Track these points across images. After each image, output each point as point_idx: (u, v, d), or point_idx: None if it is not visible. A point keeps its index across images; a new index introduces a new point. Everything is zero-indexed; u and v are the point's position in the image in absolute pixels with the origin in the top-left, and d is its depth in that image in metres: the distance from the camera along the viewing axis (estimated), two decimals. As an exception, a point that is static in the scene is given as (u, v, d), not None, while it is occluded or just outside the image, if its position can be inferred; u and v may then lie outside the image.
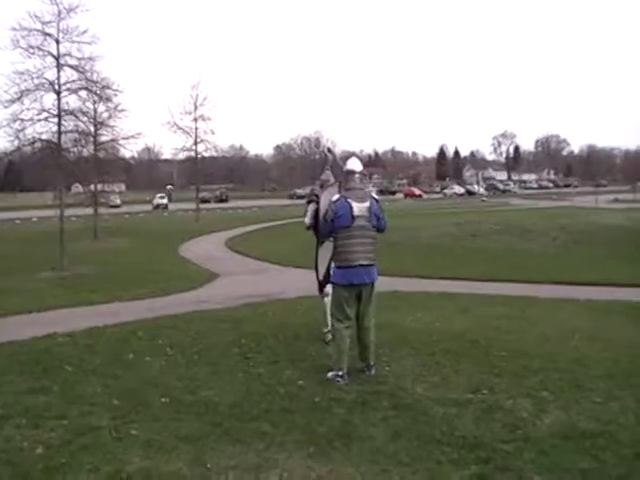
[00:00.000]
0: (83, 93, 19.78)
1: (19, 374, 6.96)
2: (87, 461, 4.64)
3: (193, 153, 43.86)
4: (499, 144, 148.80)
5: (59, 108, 18.41)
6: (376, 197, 6.85)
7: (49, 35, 18.08)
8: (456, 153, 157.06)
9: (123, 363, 7.27)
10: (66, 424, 5.41)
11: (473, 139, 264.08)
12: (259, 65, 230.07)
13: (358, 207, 6.62)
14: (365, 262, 6.64)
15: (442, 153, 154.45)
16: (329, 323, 7.67)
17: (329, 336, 7.70)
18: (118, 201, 60.95)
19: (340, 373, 6.59)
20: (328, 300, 7.67)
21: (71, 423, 5.43)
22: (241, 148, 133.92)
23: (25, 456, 4.76)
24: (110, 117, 25.34)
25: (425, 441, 4.92)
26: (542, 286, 13.38)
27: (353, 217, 6.60)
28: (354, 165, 6.94)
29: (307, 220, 7.94)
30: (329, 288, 7.72)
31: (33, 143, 19.21)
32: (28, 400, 6.05)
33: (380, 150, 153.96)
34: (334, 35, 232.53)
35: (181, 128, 42.71)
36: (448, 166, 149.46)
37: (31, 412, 5.70)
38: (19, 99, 17.88)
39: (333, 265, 7.04)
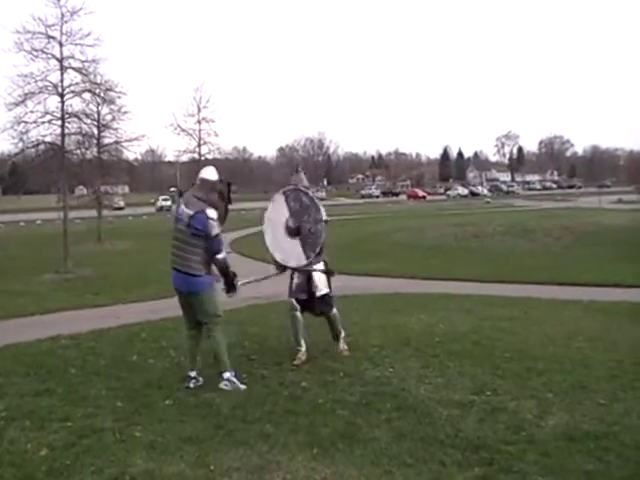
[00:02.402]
0: (87, 95, 19.90)
1: (23, 376, 6.97)
2: (91, 463, 4.64)
3: (196, 155, 43.78)
4: (503, 145, 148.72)
5: (63, 110, 18.47)
6: (210, 215, 6.36)
7: (53, 38, 18.16)
8: (459, 154, 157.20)
9: (127, 365, 7.28)
10: (70, 426, 5.42)
11: (476, 140, 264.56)
12: (262, 67, 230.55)
13: (183, 211, 6.52)
14: (178, 267, 6.52)
15: (445, 154, 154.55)
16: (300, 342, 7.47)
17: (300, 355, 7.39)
18: (122, 203, 61.05)
19: (188, 373, 6.65)
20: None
21: (75, 425, 5.44)
22: (244, 150, 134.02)
23: (29, 458, 4.77)
24: (113, 119, 25.38)
25: (429, 442, 4.91)
26: (545, 287, 13.37)
27: (177, 219, 6.58)
28: (204, 174, 6.71)
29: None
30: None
31: (37, 145, 19.29)
32: (32, 402, 6.06)
33: (383, 151, 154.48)
34: (337, 37, 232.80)
35: (184, 130, 42.67)
36: (451, 167, 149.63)
37: (35, 414, 5.71)
38: (23, 102, 17.97)
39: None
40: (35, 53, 18.04)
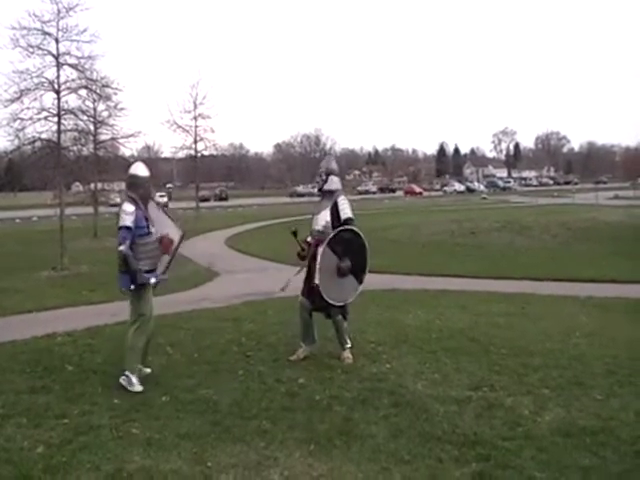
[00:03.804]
0: (83, 92, 19.75)
1: (20, 373, 6.96)
2: (87, 460, 4.65)
3: (193, 151, 43.83)
4: (499, 141, 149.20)
5: (59, 107, 18.37)
6: (123, 208, 6.43)
7: (48, 34, 18.05)
8: (456, 150, 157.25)
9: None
10: (67, 423, 5.42)
11: (473, 136, 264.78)
12: (259, 63, 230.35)
13: None
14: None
15: (442, 150, 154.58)
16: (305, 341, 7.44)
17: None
18: (118, 200, 60.87)
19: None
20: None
21: (72, 422, 5.44)
22: (241, 146, 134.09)
23: (26, 455, 4.77)
24: (110, 116, 25.19)
25: (426, 439, 4.93)
26: (542, 283, 13.37)
27: None
28: (133, 170, 6.73)
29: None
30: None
31: (33, 142, 19.17)
32: (29, 399, 6.06)
33: (380, 147, 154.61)
34: (334, 33, 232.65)
35: (181, 127, 42.71)
36: (448, 163, 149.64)
37: (32, 411, 5.72)
38: (19, 98, 17.85)
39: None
40: (31, 49, 17.92)
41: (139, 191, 6.56)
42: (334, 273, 7.11)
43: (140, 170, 6.69)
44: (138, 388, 6.30)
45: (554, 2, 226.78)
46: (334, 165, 7.59)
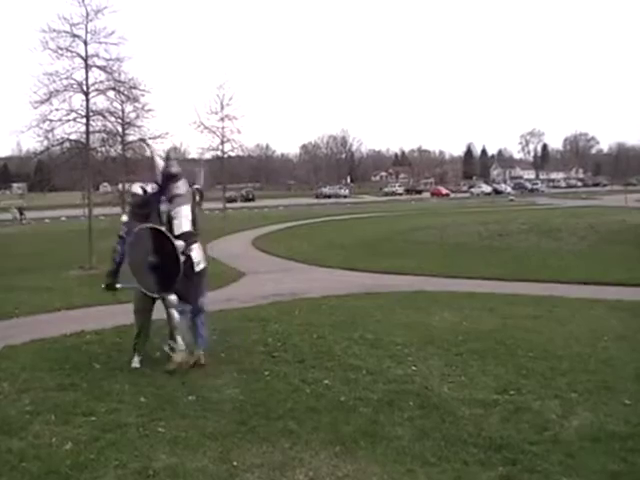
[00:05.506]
0: (111, 93, 19.92)
1: (48, 371, 7.05)
2: (114, 457, 4.70)
3: (220, 152, 43.89)
4: (527, 142, 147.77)
5: (87, 108, 18.59)
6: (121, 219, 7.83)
7: (77, 36, 18.27)
8: (483, 152, 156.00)
9: (150, 361, 7.33)
10: (94, 420, 5.48)
11: (501, 137, 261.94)
12: (285, 64, 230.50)
13: None
14: None
15: (469, 152, 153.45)
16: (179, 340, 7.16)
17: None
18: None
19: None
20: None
21: (99, 420, 5.50)
22: (267, 147, 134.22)
23: (54, 452, 4.83)
24: (137, 117, 25.29)
25: (451, 441, 4.90)
26: (570, 286, 13.23)
27: None
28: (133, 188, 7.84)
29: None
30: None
31: (62, 143, 19.41)
32: (57, 397, 6.14)
33: (406, 149, 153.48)
34: (361, 34, 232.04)
35: (207, 128, 42.70)
36: (475, 165, 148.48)
37: (60, 408, 5.79)
38: (48, 100, 18.09)
39: None
40: (60, 51, 18.15)
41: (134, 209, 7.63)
42: (144, 258, 7.14)
43: (135, 188, 7.79)
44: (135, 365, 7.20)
45: (584, 1, 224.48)
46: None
